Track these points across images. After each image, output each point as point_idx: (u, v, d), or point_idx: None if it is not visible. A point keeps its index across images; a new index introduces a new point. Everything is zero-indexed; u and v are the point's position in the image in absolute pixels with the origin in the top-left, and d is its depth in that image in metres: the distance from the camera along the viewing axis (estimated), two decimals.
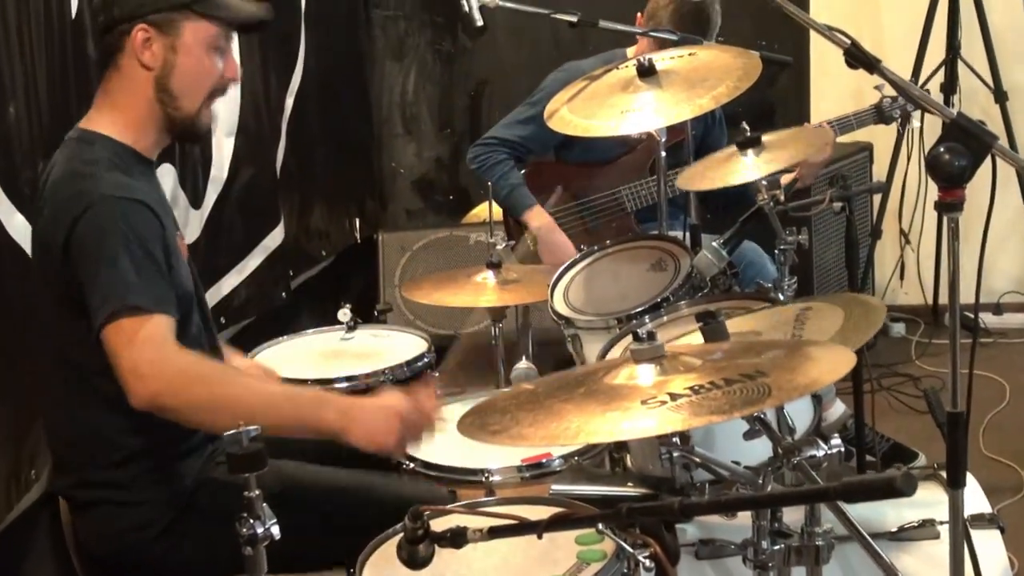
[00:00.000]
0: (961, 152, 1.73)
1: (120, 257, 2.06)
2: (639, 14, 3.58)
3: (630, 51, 3.71)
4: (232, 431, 1.56)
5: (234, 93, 3.69)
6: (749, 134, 2.61)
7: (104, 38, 2.26)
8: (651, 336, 1.68)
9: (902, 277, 5.11)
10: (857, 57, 1.89)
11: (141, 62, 2.21)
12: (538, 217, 3.65)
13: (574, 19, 3.02)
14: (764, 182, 2.57)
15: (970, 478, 2.14)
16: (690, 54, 2.79)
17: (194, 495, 2.25)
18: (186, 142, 2.68)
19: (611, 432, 1.57)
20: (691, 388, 1.56)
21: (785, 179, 3.25)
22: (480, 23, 3.00)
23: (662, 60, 2.73)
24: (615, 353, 2.44)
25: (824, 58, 4.98)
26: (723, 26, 3.59)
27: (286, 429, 2.11)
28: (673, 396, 1.55)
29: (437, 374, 2.90)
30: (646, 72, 2.67)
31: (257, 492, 1.60)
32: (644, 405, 1.55)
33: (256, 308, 3.91)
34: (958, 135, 1.75)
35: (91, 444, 2.22)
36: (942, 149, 1.74)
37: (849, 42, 1.90)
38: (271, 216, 4.05)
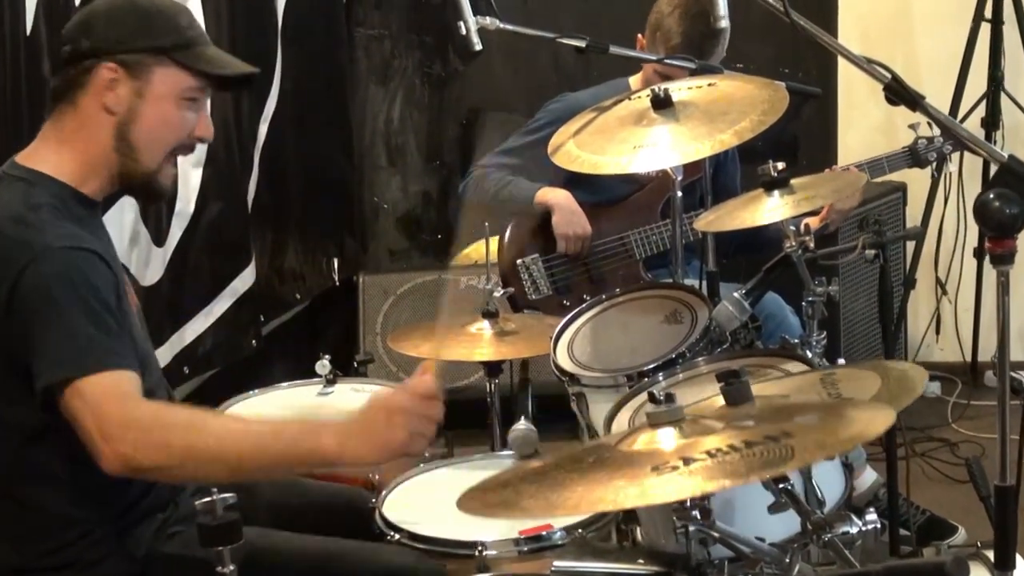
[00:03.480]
0: (1013, 199, 1.74)
1: (73, 312, 2.04)
2: (639, 36, 3.59)
3: (633, 80, 3.71)
4: (205, 499, 1.55)
5: None
6: (777, 173, 2.61)
7: (66, 69, 2.22)
8: (669, 398, 1.68)
9: (938, 331, 5.09)
10: (899, 93, 1.91)
11: (104, 104, 2.19)
12: (551, 192, 3.65)
13: (582, 44, 2.99)
14: (792, 227, 2.57)
15: (1018, 559, 2.14)
16: (709, 84, 2.80)
17: (144, 572, 2.22)
18: (141, 199, 2.48)
19: (616, 500, 1.56)
20: (707, 452, 1.56)
21: (812, 223, 3.26)
22: (478, 47, 2.99)
23: (679, 91, 2.74)
24: (625, 415, 2.44)
25: (852, 88, 5.00)
26: (744, 52, 3.60)
27: (280, 469, 2.11)
28: (687, 460, 1.55)
29: None
30: (661, 104, 2.68)
31: (232, 567, 1.60)
32: (655, 472, 1.55)
33: (223, 357, 3.90)
34: (1009, 179, 1.75)
35: (28, 518, 2.19)
36: (992, 195, 1.74)
37: (890, 76, 1.91)
38: (241, 255, 4.05)
